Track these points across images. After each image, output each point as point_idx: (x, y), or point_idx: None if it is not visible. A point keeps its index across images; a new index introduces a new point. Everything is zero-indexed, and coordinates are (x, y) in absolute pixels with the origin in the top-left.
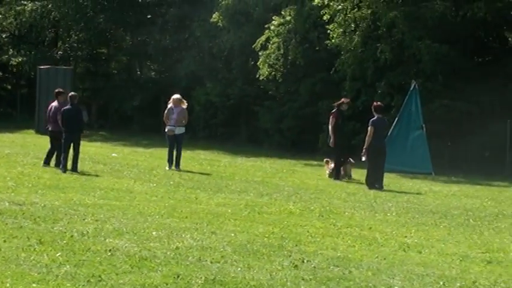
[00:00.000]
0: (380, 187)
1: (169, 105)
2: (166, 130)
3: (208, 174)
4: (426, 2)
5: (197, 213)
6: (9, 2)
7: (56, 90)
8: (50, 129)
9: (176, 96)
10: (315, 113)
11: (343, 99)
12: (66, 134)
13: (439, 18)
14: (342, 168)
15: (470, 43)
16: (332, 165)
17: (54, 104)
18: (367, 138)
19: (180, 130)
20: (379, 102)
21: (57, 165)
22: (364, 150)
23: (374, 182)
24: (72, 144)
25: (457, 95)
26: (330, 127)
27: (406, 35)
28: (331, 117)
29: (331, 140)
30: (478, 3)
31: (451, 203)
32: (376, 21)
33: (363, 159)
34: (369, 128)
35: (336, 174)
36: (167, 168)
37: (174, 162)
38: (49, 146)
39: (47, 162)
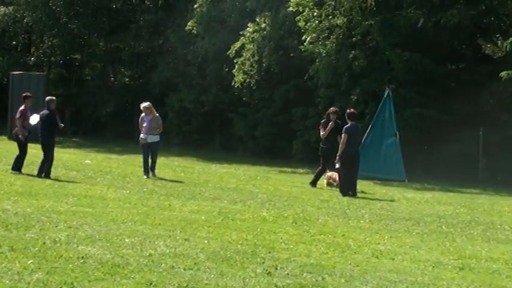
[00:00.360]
0: (353, 194)
1: (142, 114)
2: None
3: (181, 181)
4: (400, 10)
5: (170, 220)
6: None
7: (24, 94)
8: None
9: (144, 104)
10: (289, 120)
11: (330, 109)
12: (42, 139)
13: (412, 26)
14: (326, 177)
15: (444, 51)
16: (329, 173)
17: (21, 108)
18: (340, 146)
19: (153, 138)
20: (352, 109)
21: (13, 168)
22: (337, 157)
23: (348, 189)
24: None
25: (430, 102)
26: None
27: (380, 43)
28: (320, 127)
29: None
30: (452, 11)
31: (424, 210)
32: (351, 29)
33: (337, 166)
34: (343, 135)
35: (313, 182)
36: (144, 176)
37: (147, 169)
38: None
39: (15, 168)
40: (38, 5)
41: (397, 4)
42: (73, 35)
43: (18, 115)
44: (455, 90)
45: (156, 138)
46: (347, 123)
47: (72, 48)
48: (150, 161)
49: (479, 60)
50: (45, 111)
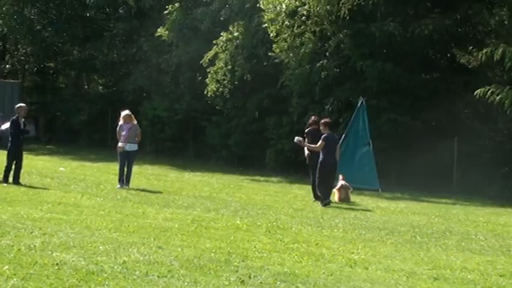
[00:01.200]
0: (326, 201)
1: (120, 122)
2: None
3: (155, 189)
4: (374, 19)
5: (144, 228)
6: None
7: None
8: None
9: (125, 112)
10: (262, 129)
11: (312, 118)
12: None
13: (387, 36)
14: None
15: (418, 60)
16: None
17: None
18: (314, 147)
19: (131, 147)
20: (327, 119)
21: None
22: (306, 154)
23: (321, 195)
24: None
25: (404, 112)
26: None
27: (353, 52)
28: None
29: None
30: (426, 21)
31: (398, 220)
32: (323, 38)
33: (295, 139)
34: (320, 142)
35: (314, 193)
36: (118, 186)
37: (122, 179)
38: None
39: None
40: (12, 13)
41: (370, 14)
42: (47, 43)
43: None
44: (429, 100)
45: (135, 147)
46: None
47: (47, 56)
48: (125, 170)
49: (454, 70)
50: (14, 118)
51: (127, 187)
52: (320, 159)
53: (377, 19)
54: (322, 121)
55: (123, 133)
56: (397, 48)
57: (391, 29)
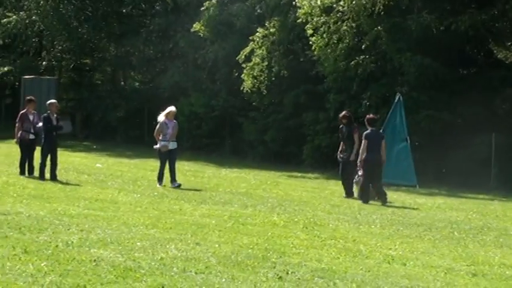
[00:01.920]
0: (383, 201)
1: (161, 119)
2: (158, 146)
3: (192, 185)
4: (411, 14)
5: (181, 224)
6: None
7: (27, 98)
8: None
9: (172, 109)
10: (299, 125)
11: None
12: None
13: (423, 30)
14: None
15: (455, 55)
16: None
17: (22, 111)
18: (360, 152)
19: (174, 145)
20: (371, 115)
21: (29, 172)
22: (358, 164)
23: (369, 196)
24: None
25: (441, 106)
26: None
27: (389, 47)
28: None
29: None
30: (463, 16)
31: (435, 216)
32: (359, 34)
33: (360, 173)
34: (362, 142)
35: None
36: (158, 185)
37: (163, 178)
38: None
39: (23, 172)
40: (49, 10)
41: (407, 8)
42: (83, 40)
43: (18, 118)
44: (467, 95)
45: (176, 144)
46: (366, 129)
47: (83, 52)
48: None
49: (491, 65)
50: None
51: (176, 186)
52: (363, 157)
53: (413, 14)
54: (366, 117)
55: (168, 131)
56: (434, 42)
57: (427, 22)
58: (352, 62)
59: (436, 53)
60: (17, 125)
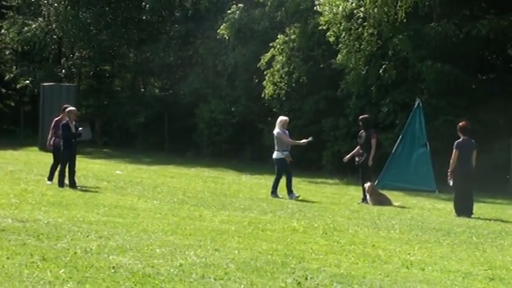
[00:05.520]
0: (468, 215)
1: (278, 130)
2: (283, 156)
3: (212, 191)
4: (430, 22)
5: (201, 231)
6: (13, 16)
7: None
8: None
9: (286, 118)
10: (319, 131)
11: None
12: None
13: (442, 37)
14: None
15: (474, 61)
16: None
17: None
18: (451, 162)
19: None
20: (464, 122)
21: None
22: (449, 174)
23: (462, 209)
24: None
25: (461, 112)
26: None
27: (409, 55)
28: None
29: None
30: (482, 22)
31: (454, 221)
32: (380, 40)
33: (450, 183)
34: (454, 151)
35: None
36: (292, 197)
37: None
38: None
39: (51, 178)
40: (68, 17)
41: (426, 16)
42: (103, 46)
43: (52, 124)
44: (485, 101)
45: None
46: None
47: (102, 59)
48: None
49: (509, 71)
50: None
51: (295, 197)
52: (455, 169)
53: (433, 20)
54: (459, 125)
55: (288, 139)
56: (453, 49)
57: (444, 30)
58: (374, 67)
59: (456, 59)
60: (52, 130)
